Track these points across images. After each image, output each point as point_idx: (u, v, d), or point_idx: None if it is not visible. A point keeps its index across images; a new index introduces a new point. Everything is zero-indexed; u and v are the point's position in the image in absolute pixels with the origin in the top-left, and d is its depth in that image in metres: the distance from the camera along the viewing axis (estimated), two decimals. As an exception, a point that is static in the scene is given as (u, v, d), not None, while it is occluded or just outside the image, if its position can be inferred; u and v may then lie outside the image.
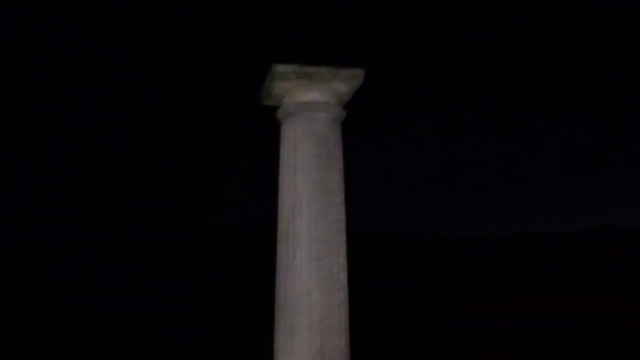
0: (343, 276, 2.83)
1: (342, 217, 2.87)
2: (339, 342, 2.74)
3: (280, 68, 2.66)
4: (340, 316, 2.78)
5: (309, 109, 2.75)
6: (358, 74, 2.77)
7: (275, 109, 3.02)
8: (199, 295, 10.50)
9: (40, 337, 8.42)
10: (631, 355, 7.77)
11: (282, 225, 2.85)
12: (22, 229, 12.92)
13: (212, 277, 11.04)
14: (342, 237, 2.86)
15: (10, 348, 7.88)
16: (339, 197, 2.87)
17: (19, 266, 11.30)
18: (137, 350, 8.38)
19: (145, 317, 9.83)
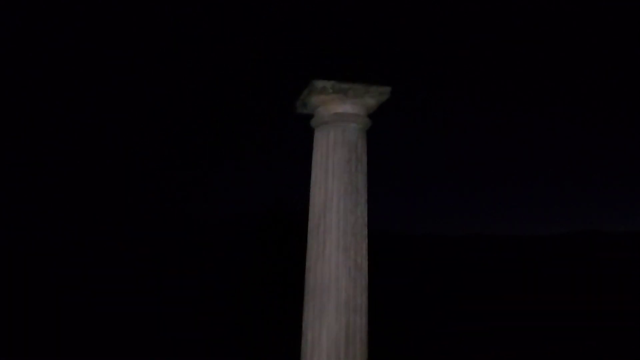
0: (365, 265, 3.37)
1: (365, 214, 3.42)
2: (361, 321, 3.28)
3: (319, 83, 3.19)
4: (362, 299, 3.32)
5: (342, 119, 3.29)
6: (386, 90, 3.32)
7: (308, 117, 3.56)
8: (199, 295, 10.88)
9: (40, 337, 8.70)
10: (630, 355, 8.30)
11: (313, 220, 3.39)
12: (22, 229, 13.20)
13: (212, 276, 11.46)
14: (365, 232, 3.40)
15: (10, 348, 8.11)
16: (363, 197, 3.41)
17: (19, 266, 11.61)
18: (137, 351, 8.69)
19: (145, 317, 10.18)
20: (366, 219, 3.40)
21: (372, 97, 3.28)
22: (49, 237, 13.33)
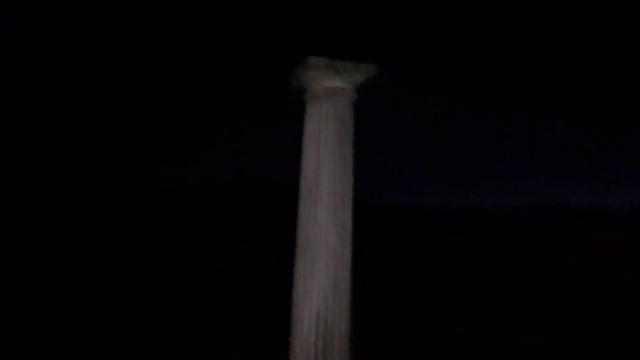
0: (350, 224, 3.87)
1: (352, 180, 3.92)
2: (346, 273, 3.78)
3: (313, 60, 3.70)
4: (348, 255, 3.82)
5: (333, 93, 3.79)
6: (373, 68, 3.83)
7: (299, 92, 4.08)
8: (199, 295, 11.10)
9: (40, 337, 8.67)
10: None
11: (305, 185, 3.89)
12: (22, 229, 13.34)
13: (212, 275, 11.60)
14: (351, 196, 3.90)
15: (10, 348, 7.87)
16: (350, 165, 3.92)
17: (19, 266, 11.63)
18: (137, 350, 8.72)
19: (145, 317, 10.23)
20: (352, 184, 3.91)
21: (360, 73, 3.80)
22: (49, 237, 13.49)
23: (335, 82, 3.78)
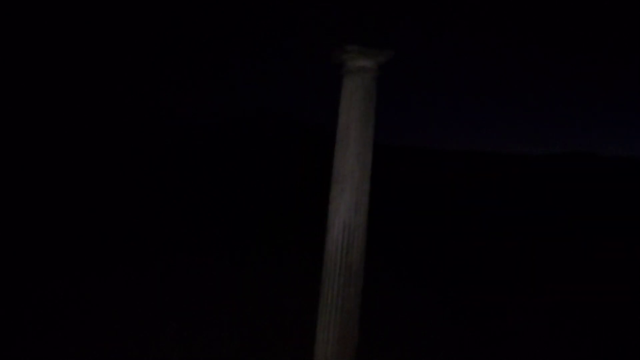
0: (369, 164, 5.63)
1: (372, 132, 5.70)
2: (365, 198, 5.58)
3: (349, 47, 5.45)
4: (366, 186, 5.63)
5: (362, 70, 5.51)
6: (391, 53, 5.58)
7: (339, 66, 5.82)
8: (199, 293, 11.29)
9: (40, 337, 8.57)
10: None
11: (340, 135, 5.64)
12: (22, 228, 13.82)
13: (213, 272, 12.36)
14: (371, 143, 5.69)
15: (10, 348, 8.05)
16: (372, 121, 5.68)
17: (18, 266, 11.57)
18: (137, 350, 8.57)
19: (145, 316, 10.02)
20: (373, 135, 5.71)
21: (383, 57, 5.54)
22: (48, 237, 13.64)
23: (364, 63, 5.52)
